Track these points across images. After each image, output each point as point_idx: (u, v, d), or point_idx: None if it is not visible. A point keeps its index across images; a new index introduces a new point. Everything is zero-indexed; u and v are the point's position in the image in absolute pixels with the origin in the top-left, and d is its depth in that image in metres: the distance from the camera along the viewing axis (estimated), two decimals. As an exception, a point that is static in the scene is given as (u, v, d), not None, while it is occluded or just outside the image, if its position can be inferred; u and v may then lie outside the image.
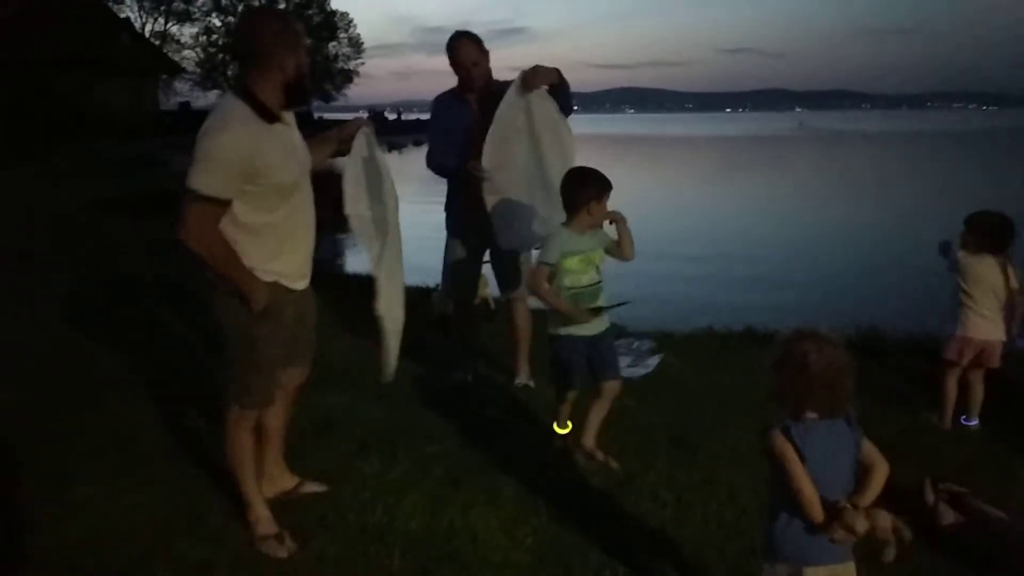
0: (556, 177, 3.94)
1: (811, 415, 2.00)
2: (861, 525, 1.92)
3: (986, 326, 3.90)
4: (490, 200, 4.10)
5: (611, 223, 3.46)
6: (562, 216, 3.53)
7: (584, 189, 3.37)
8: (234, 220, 2.60)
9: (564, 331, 3.46)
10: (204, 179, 2.48)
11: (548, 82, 4.00)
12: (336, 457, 3.53)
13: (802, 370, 1.97)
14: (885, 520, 1.96)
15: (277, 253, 2.71)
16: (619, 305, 3.54)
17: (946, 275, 4.08)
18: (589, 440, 3.56)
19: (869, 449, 2.04)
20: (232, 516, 3.04)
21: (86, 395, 4.24)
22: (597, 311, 3.43)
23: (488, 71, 4.23)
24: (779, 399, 2.04)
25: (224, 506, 3.11)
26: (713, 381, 4.72)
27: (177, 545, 2.87)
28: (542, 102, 4.03)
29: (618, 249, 3.49)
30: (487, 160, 4.01)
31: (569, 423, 3.72)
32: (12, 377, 4.38)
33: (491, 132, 4.00)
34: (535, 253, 3.74)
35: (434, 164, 4.35)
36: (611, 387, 3.52)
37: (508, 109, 3.99)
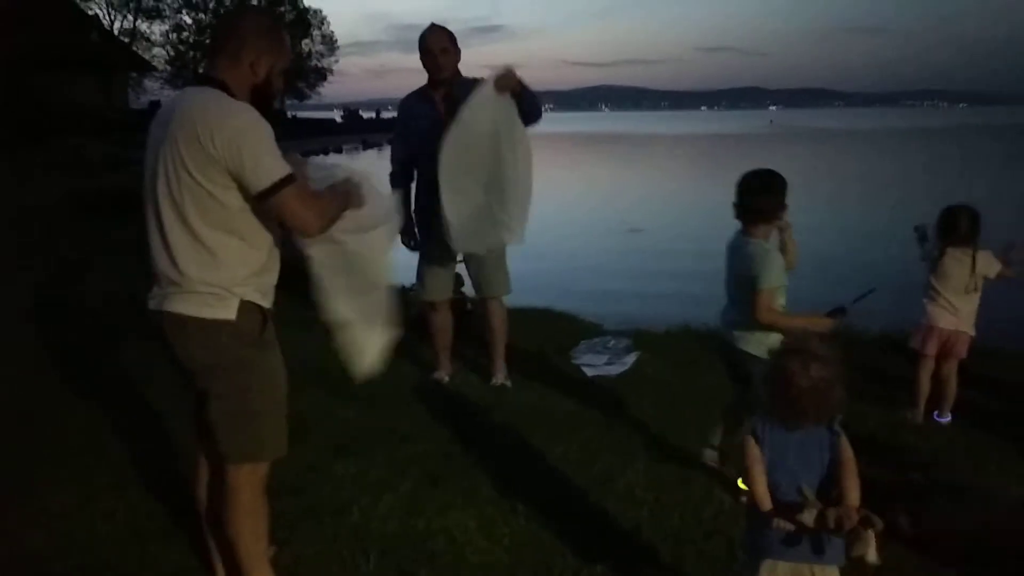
0: (511, 183, 4.02)
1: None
2: (807, 517, 1.93)
3: (951, 318, 4.03)
4: (448, 200, 3.99)
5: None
6: (513, 223, 3.48)
7: (780, 195, 3.09)
8: (230, 225, 2.23)
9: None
10: (278, 163, 2.20)
11: (516, 88, 3.97)
12: (312, 458, 3.50)
13: (788, 388, 2.02)
14: (850, 513, 1.91)
15: (265, 267, 2.35)
16: (867, 295, 3.15)
17: (919, 271, 4.17)
18: None
19: (843, 447, 2.05)
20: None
21: (59, 400, 4.18)
22: (841, 312, 3.10)
23: (456, 63, 4.23)
24: (770, 412, 2.10)
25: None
26: (690, 379, 4.74)
27: (150, 551, 2.84)
28: (509, 107, 3.99)
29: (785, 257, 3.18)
30: (447, 160, 3.94)
31: None
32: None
33: (453, 132, 3.92)
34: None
35: (393, 177, 4.37)
36: None
37: (476, 111, 3.92)
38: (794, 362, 2.03)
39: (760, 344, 3.12)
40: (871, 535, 1.89)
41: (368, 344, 2.77)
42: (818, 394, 2.01)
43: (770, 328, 3.06)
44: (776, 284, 3.05)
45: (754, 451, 2.06)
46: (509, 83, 3.94)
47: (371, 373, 2.79)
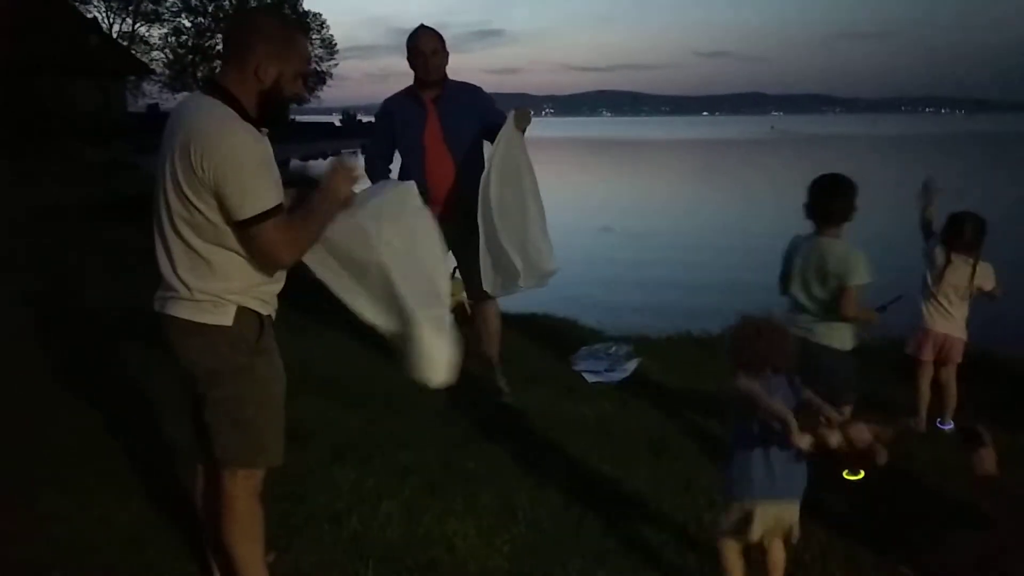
0: (537, 213, 4.13)
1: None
2: (835, 438, 2.20)
3: (945, 322, 4.06)
4: (509, 245, 4.00)
5: None
6: (548, 250, 3.70)
7: (854, 196, 3.29)
8: (223, 241, 2.21)
9: (852, 346, 3.40)
10: (262, 193, 2.15)
11: (526, 126, 4.07)
12: (311, 465, 3.48)
13: (755, 341, 2.38)
14: (861, 432, 2.21)
15: (266, 279, 2.33)
16: (896, 300, 3.56)
17: (919, 275, 4.16)
18: None
19: (802, 388, 2.43)
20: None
21: (58, 404, 4.15)
22: (883, 309, 3.47)
23: (445, 65, 4.20)
24: (740, 365, 2.40)
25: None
26: (692, 385, 4.73)
27: (148, 557, 2.82)
28: (521, 141, 4.08)
29: None
30: (496, 206, 3.96)
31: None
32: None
33: (493, 181, 3.95)
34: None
35: (372, 171, 4.20)
36: None
37: (504, 153, 3.97)
38: (760, 323, 2.42)
39: (842, 338, 3.32)
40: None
41: (424, 345, 2.66)
42: (776, 346, 2.37)
43: (853, 321, 3.30)
44: (867, 280, 3.22)
45: (758, 387, 2.30)
46: (526, 123, 4.04)
47: (444, 377, 2.71)
